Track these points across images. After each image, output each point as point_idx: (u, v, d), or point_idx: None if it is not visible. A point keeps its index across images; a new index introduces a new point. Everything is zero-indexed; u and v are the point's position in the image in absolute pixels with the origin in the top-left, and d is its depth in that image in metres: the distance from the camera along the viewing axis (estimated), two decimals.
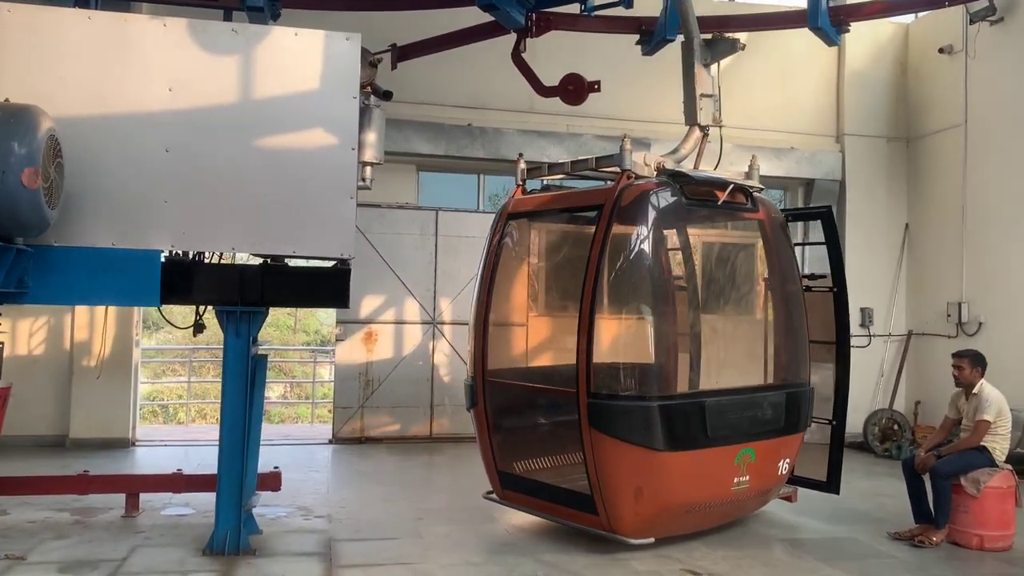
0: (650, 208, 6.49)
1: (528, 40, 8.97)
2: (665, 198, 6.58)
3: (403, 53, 9.82)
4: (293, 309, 27.84)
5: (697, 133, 7.12)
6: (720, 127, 7.19)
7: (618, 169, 6.56)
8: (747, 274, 8.08)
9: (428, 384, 11.51)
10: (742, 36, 11.03)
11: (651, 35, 8.97)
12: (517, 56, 9.00)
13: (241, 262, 6.47)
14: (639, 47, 9.27)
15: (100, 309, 10.24)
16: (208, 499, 6.43)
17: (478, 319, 7.25)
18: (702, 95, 7.08)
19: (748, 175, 7.24)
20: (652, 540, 6.21)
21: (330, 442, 11.21)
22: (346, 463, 10.15)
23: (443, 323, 11.59)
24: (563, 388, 6.47)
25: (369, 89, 6.84)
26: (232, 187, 5.71)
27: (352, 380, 11.32)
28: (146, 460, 9.92)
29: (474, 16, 8.82)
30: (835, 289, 7.51)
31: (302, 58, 5.86)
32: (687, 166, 6.98)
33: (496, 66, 10.01)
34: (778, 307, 7.51)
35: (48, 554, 5.96)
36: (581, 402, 6.07)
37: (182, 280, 5.82)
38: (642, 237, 6.42)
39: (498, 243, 7.40)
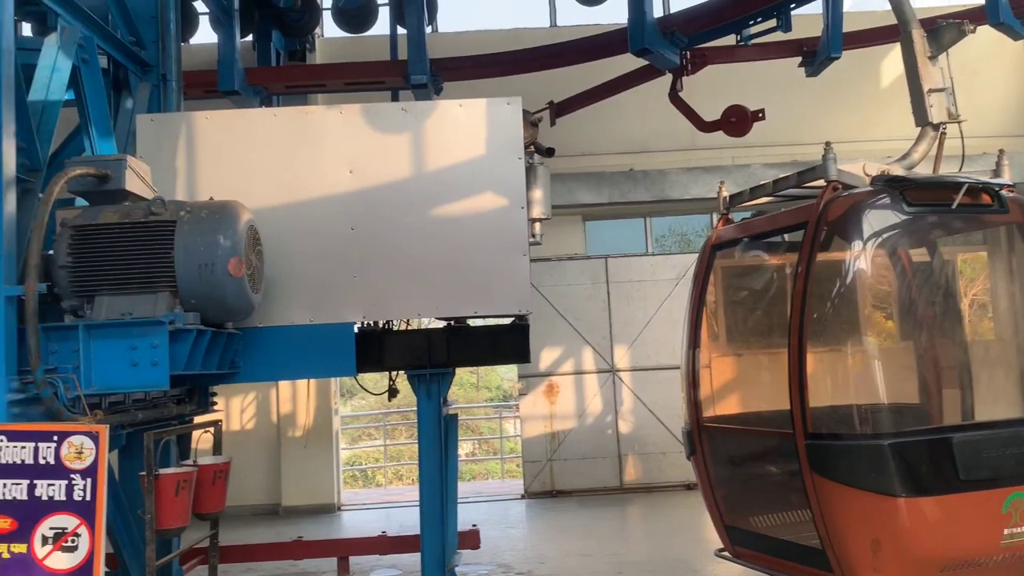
0: (861, 220, 5.68)
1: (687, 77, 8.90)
2: (879, 207, 5.74)
3: (560, 109, 9.99)
4: (475, 367, 28.63)
5: (931, 134, 6.33)
6: (959, 123, 6.37)
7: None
8: (1000, 287, 6.99)
9: (613, 433, 11.39)
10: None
11: (814, 55, 8.67)
12: (675, 96, 8.95)
13: (426, 326, 6.72)
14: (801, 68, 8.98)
15: (301, 382, 10.91)
16: (412, 559, 6.60)
17: (688, 361, 6.74)
18: (931, 91, 6.31)
19: (996, 172, 6.35)
20: None
21: (522, 497, 11.28)
22: (540, 518, 10.16)
23: (622, 370, 11.48)
24: (779, 430, 5.81)
25: (532, 148, 7.00)
26: (413, 256, 5.95)
27: (538, 433, 11.39)
28: (352, 524, 10.37)
29: (626, 61, 8.86)
30: None
31: (468, 127, 6.08)
32: (924, 173, 6.22)
33: (652, 107, 10.01)
34: None
35: None
36: (799, 444, 5.45)
37: (374, 348, 6.10)
38: (854, 254, 5.66)
39: (703, 278, 6.85)
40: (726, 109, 8.90)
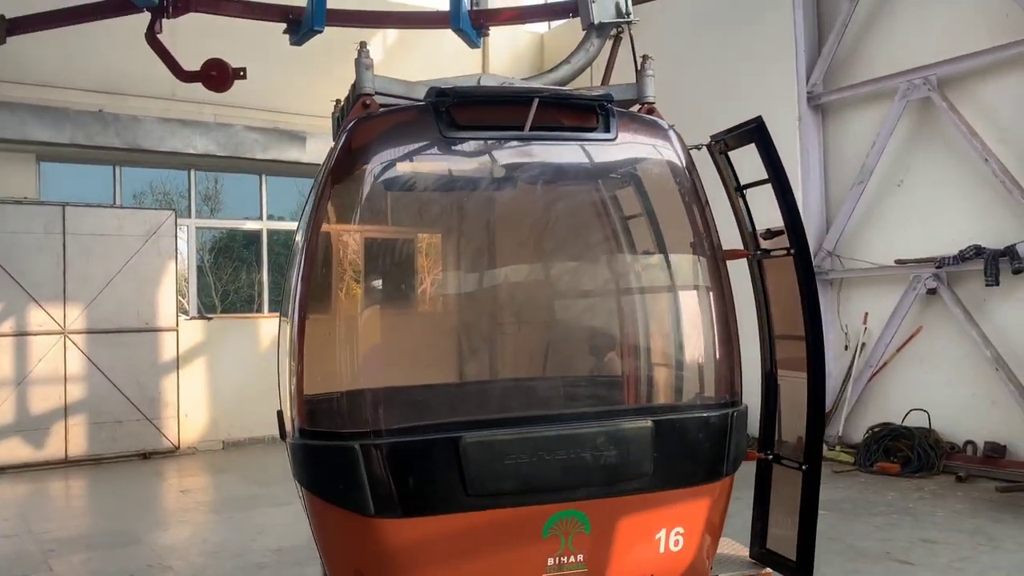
0: (376, 150, 4.07)
1: (169, 20, 8.28)
2: (410, 132, 4.17)
3: (15, 25, 8.60)
4: None
5: (594, 39, 5.17)
6: (629, 24, 5.12)
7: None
8: (589, 234, 5.05)
9: (61, 401, 10.23)
10: (392, 34, 11.22)
11: (299, 24, 8.73)
12: (152, 38, 8.27)
13: None
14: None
15: None
16: None
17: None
18: None
19: (641, 86, 4.61)
20: None
21: None
22: None
23: (77, 332, 10.36)
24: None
25: None
26: None
27: None
28: None
29: None
30: (792, 250, 4.40)
31: None
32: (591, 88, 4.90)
33: (131, 46, 9.11)
34: (655, 281, 4.80)
35: None
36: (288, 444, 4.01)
37: None
38: (362, 197, 4.04)
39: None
40: (207, 62, 8.51)
